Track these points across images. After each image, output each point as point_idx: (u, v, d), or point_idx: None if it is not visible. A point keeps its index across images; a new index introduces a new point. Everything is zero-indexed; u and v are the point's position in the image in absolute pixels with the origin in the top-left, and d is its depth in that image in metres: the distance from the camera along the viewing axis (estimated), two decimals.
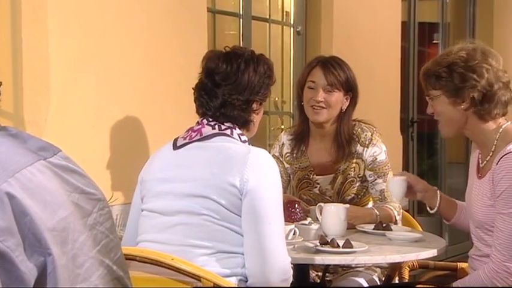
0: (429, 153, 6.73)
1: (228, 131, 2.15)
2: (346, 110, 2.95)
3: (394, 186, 2.62)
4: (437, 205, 2.62)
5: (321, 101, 2.89)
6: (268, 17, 4.47)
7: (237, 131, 2.16)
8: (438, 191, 2.65)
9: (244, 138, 2.17)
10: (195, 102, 2.23)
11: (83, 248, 0.96)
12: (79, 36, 2.87)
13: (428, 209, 2.66)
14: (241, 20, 4.12)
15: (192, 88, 2.25)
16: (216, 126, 2.16)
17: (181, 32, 3.38)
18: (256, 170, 2.05)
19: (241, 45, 4.08)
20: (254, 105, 2.20)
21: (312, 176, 3.03)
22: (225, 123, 2.16)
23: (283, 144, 3.09)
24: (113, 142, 3.01)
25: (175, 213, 2.08)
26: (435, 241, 2.67)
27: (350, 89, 2.95)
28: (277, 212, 2.07)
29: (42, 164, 0.96)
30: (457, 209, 2.67)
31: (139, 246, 2.13)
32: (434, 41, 6.85)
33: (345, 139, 2.94)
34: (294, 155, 3.05)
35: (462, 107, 2.42)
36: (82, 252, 0.95)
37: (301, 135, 3.03)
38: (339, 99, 2.92)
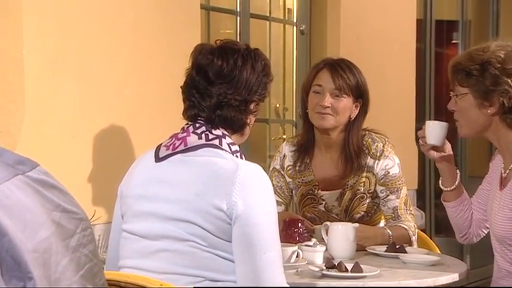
0: None
1: (216, 141, 2.11)
2: (355, 118, 2.96)
3: (431, 129, 2.59)
4: (455, 184, 2.65)
5: (328, 107, 2.90)
6: (268, 14, 4.48)
7: (227, 140, 2.13)
8: (458, 179, 2.66)
9: (235, 148, 2.13)
10: (184, 102, 2.20)
11: (66, 272, 0.96)
12: (58, 36, 2.88)
13: (440, 185, 2.70)
14: (238, 17, 4.14)
15: (180, 87, 2.22)
16: (203, 136, 2.12)
17: (172, 31, 3.39)
18: (246, 191, 2.01)
19: None
20: (252, 106, 2.18)
21: (316, 191, 3.03)
22: (214, 132, 2.13)
23: (284, 156, 3.09)
24: (95, 154, 3.01)
25: (159, 238, 2.07)
26: (455, 265, 2.67)
27: (360, 95, 2.95)
28: (272, 238, 2.04)
29: (20, 180, 0.96)
30: (462, 196, 2.70)
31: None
32: (454, 41, 6.87)
33: (354, 151, 2.94)
34: (297, 168, 3.05)
35: (489, 111, 2.43)
36: (65, 276, 0.95)
37: (306, 146, 3.03)
38: (347, 105, 2.93)
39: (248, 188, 2.02)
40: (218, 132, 2.13)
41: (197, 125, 2.15)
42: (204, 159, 2.09)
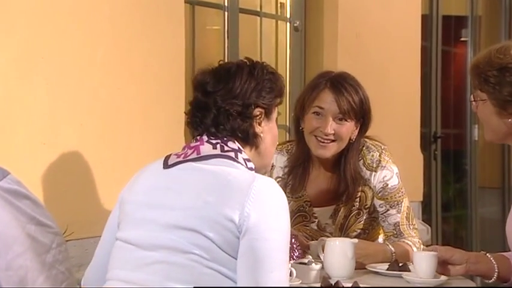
0: (456, 176, 6.75)
1: (232, 154, 2.16)
2: (355, 139, 2.93)
3: (419, 262, 2.55)
4: (495, 274, 2.54)
5: (331, 134, 2.87)
6: (259, 9, 4.48)
7: (243, 155, 2.17)
8: (489, 255, 2.57)
9: (250, 165, 2.17)
10: (188, 126, 2.25)
11: None
12: (26, 33, 2.87)
13: (485, 280, 2.60)
14: (226, 12, 4.14)
15: (185, 113, 2.27)
16: (218, 146, 2.16)
17: (153, 28, 3.39)
18: (261, 203, 2.04)
19: (226, 43, 4.11)
20: (256, 112, 2.21)
21: (308, 208, 3.03)
22: (229, 144, 2.17)
23: (273, 166, 3.05)
24: (68, 163, 3.00)
25: (156, 248, 2.07)
26: (463, 284, 2.67)
27: (362, 115, 2.93)
28: (282, 258, 2.05)
29: None
30: None
31: (107, 286, 2.12)
32: (462, 39, 6.89)
33: (351, 176, 2.92)
34: (289, 185, 3.02)
35: (510, 120, 2.44)
36: None
37: (303, 168, 2.99)
38: (350, 129, 2.90)
39: (263, 201, 2.05)
40: (234, 145, 2.18)
41: (212, 136, 2.19)
42: (217, 168, 2.12)
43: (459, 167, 6.72)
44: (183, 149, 2.21)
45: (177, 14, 3.54)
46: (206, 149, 2.17)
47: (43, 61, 2.93)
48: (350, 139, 2.92)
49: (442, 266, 2.55)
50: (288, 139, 4.48)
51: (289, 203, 3.00)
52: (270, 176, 3.07)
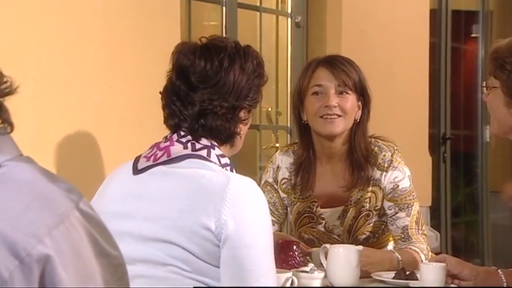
0: (467, 179, 6.75)
1: (204, 152, 2.13)
2: (360, 120, 2.96)
3: (427, 274, 2.55)
4: (504, 282, 2.52)
5: (335, 106, 2.90)
6: (258, 4, 4.49)
7: (216, 151, 2.14)
8: (500, 271, 2.56)
9: (225, 161, 2.15)
10: (164, 110, 2.22)
11: None
12: (13, 31, 2.87)
13: None
14: (224, 7, 4.14)
15: (160, 92, 2.24)
16: (189, 145, 2.13)
17: (147, 24, 3.38)
18: (238, 208, 2.02)
19: None
20: (242, 114, 2.20)
21: (315, 208, 3.03)
22: (201, 141, 2.14)
23: (278, 167, 3.09)
24: (57, 166, 3.00)
25: (134, 262, 2.06)
26: None
27: (362, 92, 2.97)
28: (267, 263, 2.05)
29: (75, 216, 0.95)
30: None
31: None
32: (473, 35, 6.90)
33: (362, 156, 2.94)
34: (297, 185, 3.03)
35: None
36: None
37: (309, 166, 3.00)
38: (353, 104, 2.94)
39: (240, 205, 2.03)
40: (206, 142, 2.15)
41: (182, 133, 2.16)
42: (189, 171, 2.10)
43: (470, 170, 6.72)
44: (152, 148, 2.18)
45: (173, 9, 3.54)
46: (176, 149, 2.14)
47: (31, 58, 2.92)
48: (355, 120, 2.95)
49: (450, 278, 2.56)
50: (289, 140, 4.49)
51: (295, 204, 3.05)
52: (276, 177, 3.08)
